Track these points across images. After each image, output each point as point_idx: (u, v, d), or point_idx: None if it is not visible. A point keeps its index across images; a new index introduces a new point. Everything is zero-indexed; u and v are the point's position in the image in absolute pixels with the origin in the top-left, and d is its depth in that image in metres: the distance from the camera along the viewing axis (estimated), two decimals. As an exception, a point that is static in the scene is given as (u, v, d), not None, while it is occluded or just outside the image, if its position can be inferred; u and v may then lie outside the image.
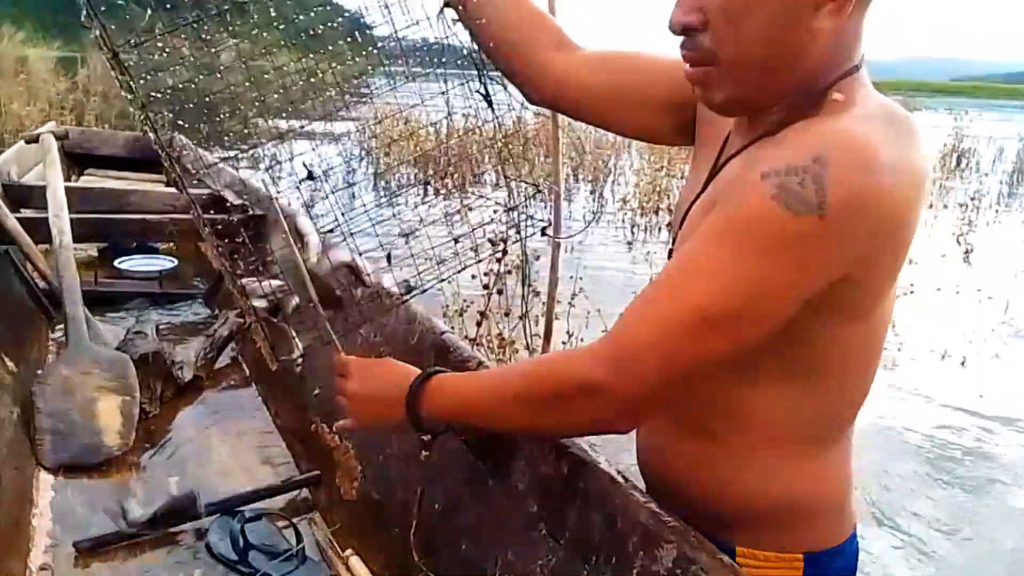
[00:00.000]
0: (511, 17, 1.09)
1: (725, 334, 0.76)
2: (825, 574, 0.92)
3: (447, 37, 1.10)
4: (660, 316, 0.77)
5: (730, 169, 0.86)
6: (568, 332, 2.97)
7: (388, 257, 1.70)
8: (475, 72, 1.12)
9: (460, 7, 1.08)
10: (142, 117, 1.05)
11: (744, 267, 0.73)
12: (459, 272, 1.17)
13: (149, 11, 1.09)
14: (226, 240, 1.24)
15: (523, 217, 1.18)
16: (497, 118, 1.15)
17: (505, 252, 2.99)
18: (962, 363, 4.18)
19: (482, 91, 1.13)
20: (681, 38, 0.82)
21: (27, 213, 2.70)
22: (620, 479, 0.98)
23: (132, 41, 1.03)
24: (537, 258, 3.25)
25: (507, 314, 3.20)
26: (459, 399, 0.97)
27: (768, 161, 0.73)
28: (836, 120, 0.75)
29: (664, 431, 0.95)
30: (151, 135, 1.07)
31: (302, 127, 1.23)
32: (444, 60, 1.11)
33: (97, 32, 0.99)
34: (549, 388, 0.85)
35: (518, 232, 1.20)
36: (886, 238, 0.75)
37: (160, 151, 1.10)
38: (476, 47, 1.12)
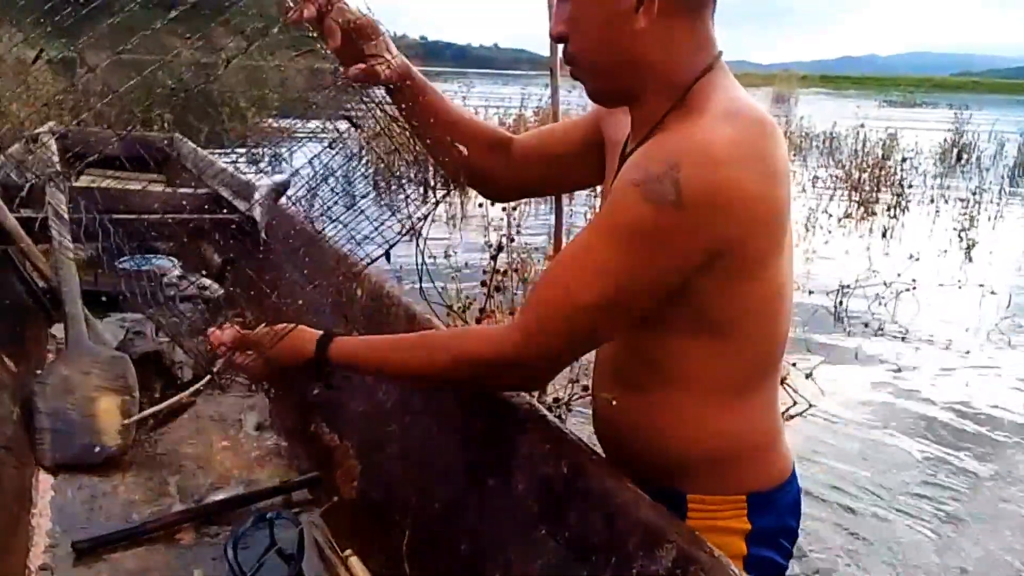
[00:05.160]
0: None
1: (616, 315, 0.94)
2: (768, 512, 1.02)
3: None
4: (563, 305, 0.94)
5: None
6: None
7: (387, 255, 1.70)
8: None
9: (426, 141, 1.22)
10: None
11: (627, 262, 0.89)
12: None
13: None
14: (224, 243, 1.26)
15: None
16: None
17: (500, 249, 2.99)
18: (965, 355, 4.17)
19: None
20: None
21: (27, 213, 2.69)
22: (620, 479, 0.98)
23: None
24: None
25: (511, 313, 3.21)
26: (372, 355, 1.11)
27: (639, 169, 0.89)
28: (690, 126, 0.89)
29: (607, 395, 1.08)
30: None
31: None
32: None
33: None
34: (469, 369, 1.02)
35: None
36: (747, 218, 0.88)
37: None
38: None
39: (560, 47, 1.01)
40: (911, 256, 5.41)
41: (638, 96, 0.98)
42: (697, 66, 0.94)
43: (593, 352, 1.14)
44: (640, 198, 0.86)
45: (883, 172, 9.03)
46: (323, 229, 1.24)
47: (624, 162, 1.00)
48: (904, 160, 9.43)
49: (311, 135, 1.34)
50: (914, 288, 4.81)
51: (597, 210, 1.16)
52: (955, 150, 11.96)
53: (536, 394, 2.56)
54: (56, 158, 2.80)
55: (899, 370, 3.94)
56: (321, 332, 1.13)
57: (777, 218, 0.92)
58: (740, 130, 0.89)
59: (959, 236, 6.88)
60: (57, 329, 2.25)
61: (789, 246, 0.97)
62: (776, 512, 1.04)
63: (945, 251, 6.36)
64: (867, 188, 8.52)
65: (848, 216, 7.67)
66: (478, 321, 3.01)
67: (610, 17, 0.93)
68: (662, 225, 0.86)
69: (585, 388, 2.61)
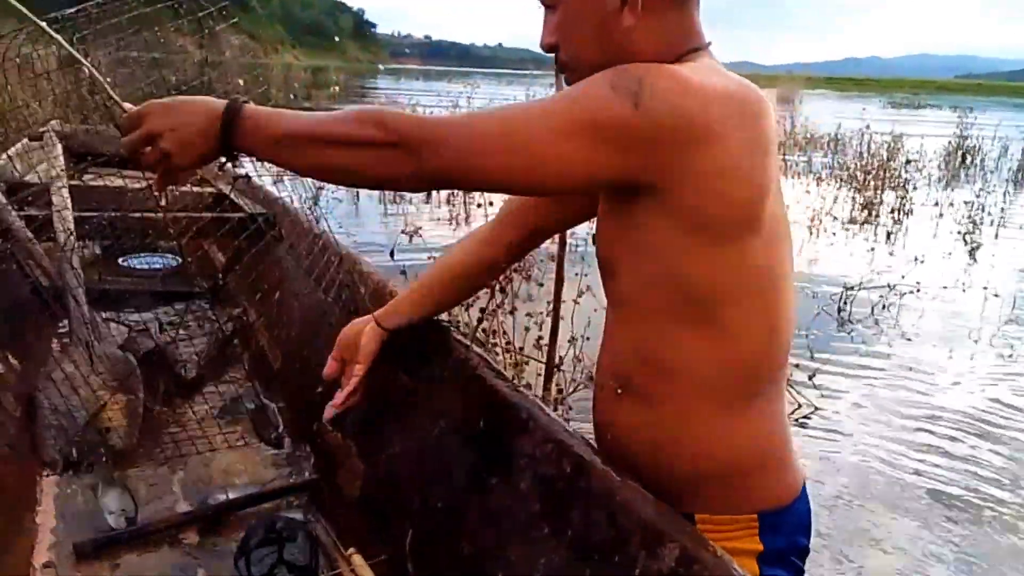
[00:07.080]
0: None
1: (522, 159, 0.87)
2: (779, 531, 0.98)
3: None
4: (481, 124, 0.89)
5: None
6: (572, 335, 2.96)
7: (391, 253, 1.70)
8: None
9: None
10: None
11: (560, 110, 0.88)
12: None
13: None
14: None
15: None
16: None
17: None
18: (970, 358, 4.17)
19: None
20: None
21: (31, 211, 2.69)
22: (622, 477, 0.98)
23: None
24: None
25: (521, 315, 3.21)
26: (278, 126, 0.93)
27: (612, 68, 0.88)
28: None
29: (609, 405, 1.04)
30: None
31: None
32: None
33: None
34: (369, 134, 0.89)
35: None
36: (705, 150, 0.85)
37: None
38: None
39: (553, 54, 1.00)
40: (915, 259, 5.41)
41: None
42: (683, 50, 0.95)
43: (595, 360, 1.12)
44: (606, 81, 0.86)
45: (887, 174, 9.02)
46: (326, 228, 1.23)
47: None
48: (908, 162, 9.42)
49: None
50: (918, 291, 4.80)
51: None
52: (959, 153, 11.94)
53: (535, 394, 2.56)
54: (60, 157, 2.80)
55: (902, 373, 3.93)
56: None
57: (747, 175, 0.89)
58: (719, 79, 0.89)
59: (963, 239, 6.87)
60: (61, 328, 2.26)
61: (780, 233, 0.94)
62: (788, 530, 1.00)
63: (949, 254, 6.35)
64: (871, 190, 8.51)
65: (852, 219, 7.66)
66: (479, 321, 3.02)
67: (597, 20, 0.94)
68: (613, 114, 0.84)
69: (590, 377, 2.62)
